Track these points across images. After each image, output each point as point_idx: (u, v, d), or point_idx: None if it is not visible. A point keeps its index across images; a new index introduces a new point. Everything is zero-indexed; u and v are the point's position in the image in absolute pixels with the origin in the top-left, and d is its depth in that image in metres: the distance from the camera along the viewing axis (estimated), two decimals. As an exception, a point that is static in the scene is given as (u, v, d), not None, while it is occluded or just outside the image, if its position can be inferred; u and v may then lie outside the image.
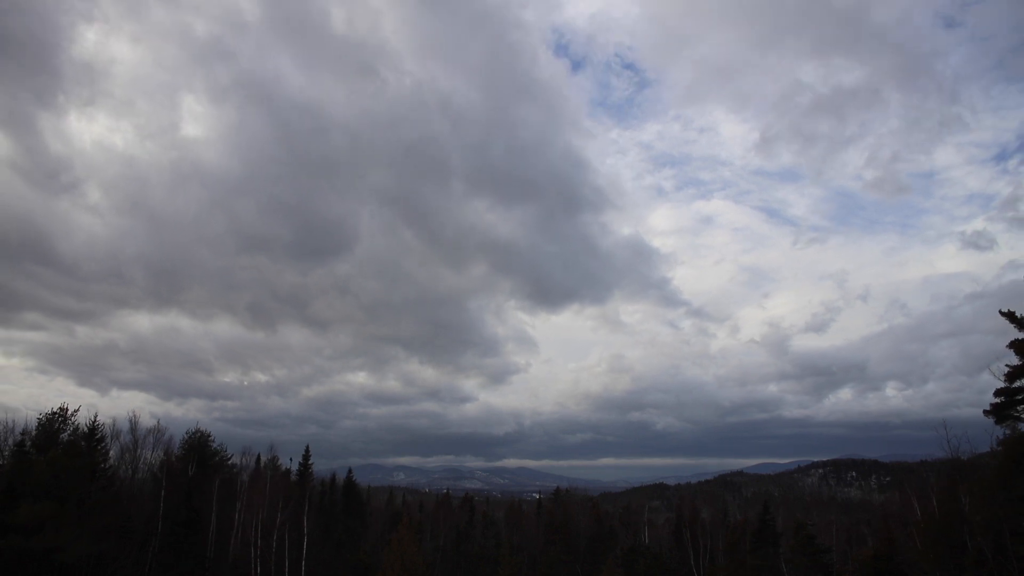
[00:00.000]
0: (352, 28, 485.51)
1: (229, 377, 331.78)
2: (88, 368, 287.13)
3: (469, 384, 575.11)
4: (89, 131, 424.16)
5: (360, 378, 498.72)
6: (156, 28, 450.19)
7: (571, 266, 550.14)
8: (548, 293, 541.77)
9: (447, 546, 72.58)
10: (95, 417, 43.95)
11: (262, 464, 59.96)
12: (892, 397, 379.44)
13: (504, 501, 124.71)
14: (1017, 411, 30.35)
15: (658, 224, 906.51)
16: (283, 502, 50.55)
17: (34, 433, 41.29)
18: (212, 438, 56.09)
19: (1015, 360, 29.97)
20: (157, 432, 52.41)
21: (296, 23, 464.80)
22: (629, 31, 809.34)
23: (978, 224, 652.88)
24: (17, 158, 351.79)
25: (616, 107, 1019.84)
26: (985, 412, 31.01)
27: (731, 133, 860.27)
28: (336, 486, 71.48)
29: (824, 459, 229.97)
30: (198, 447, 53.64)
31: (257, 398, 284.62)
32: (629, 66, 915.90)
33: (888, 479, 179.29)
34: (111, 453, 46.81)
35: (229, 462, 57.84)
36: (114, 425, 48.09)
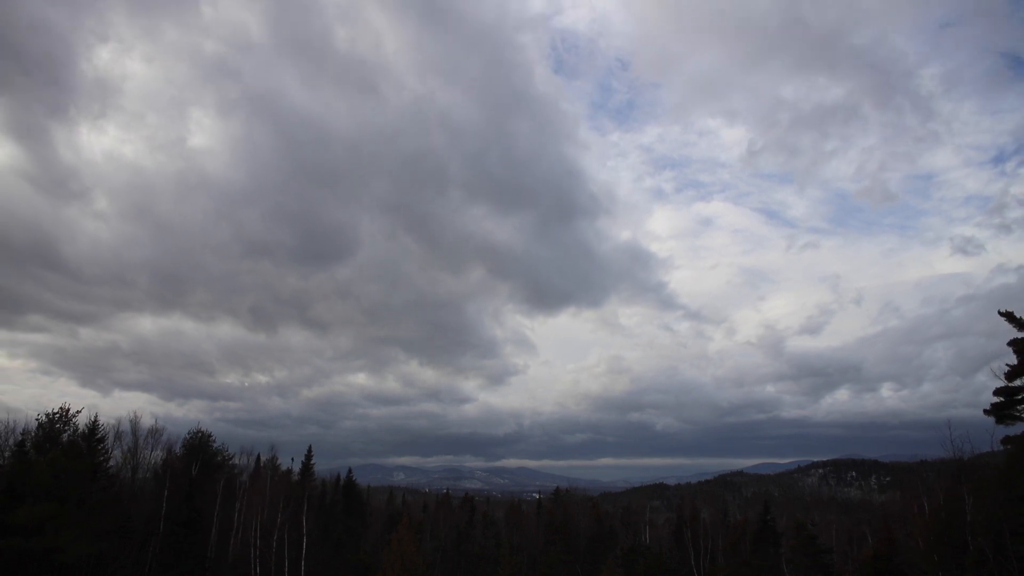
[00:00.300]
0: (354, 47, 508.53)
1: (230, 378, 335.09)
2: (91, 369, 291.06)
3: (468, 385, 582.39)
4: (99, 142, 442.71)
5: (360, 379, 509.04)
6: (167, 48, 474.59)
7: (568, 270, 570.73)
8: (545, 297, 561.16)
9: (447, 546, 72.58)
10: (95, 417, 43.96)
11: (262, 464, 59.99)
12: (888, 398, 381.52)
13: (504, 501, 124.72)
14: (1018, 410, 30.35)
15: (658, 226, 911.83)
16: (283, 502, 50.55)
17: (35, 434, 41.28)
18: (213, 438, 56.14)
19: (1014, 360, 30.00)
20: (157, 432, 52.42)
21: (301, 42, 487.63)
22: (625, 47, 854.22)
23: (967, 230, 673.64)
24: (29, 167, 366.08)
25: (617, 110, 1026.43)
26: (986, 411, 31.01)
27: (730, 137, 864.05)
28: (337, 486, 71.54)
29: (824, 459, 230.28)
30: (199, 447, 53.64)
31: (258, 399, 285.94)
32: (628, 69, 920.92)
33: (888, 479, 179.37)
34: (113, 453, 46.84)
35: (230, 462, 57.87)
36: (118, 426, 48.16)
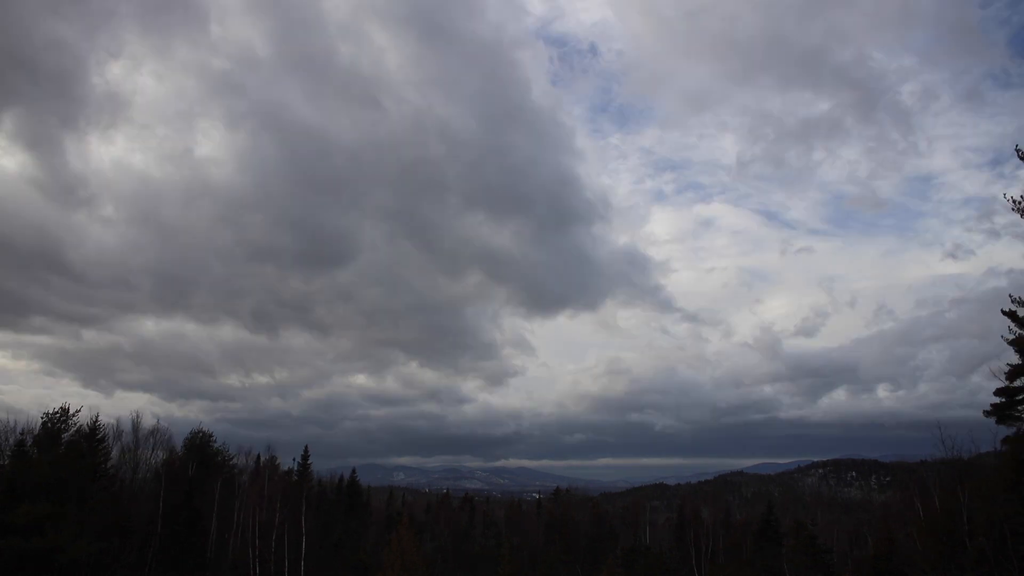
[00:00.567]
0: (356, 62, 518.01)
1: (232, 379, 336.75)
2: (93, 370, 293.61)
3: (468, 386, 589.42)
4: (109, 152, 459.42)
5: (360, 380, 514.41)
6: (177, 64, 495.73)
7: (564, 275, 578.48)
8: (542, 300, 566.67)
9: (447, 546, 72.56)
10: (96, 417, 43.87)
11: (262, 464, 59.93)
12: (885, 398, 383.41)
13: (504, 501, 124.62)
14: (1018, 411, 30.29)
15: (658, 228, 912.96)
16: (282, 502, 50.54)
17: (35, 433, 41.13)
18: (214, 438, 56.14)
19: (1010, 361, 30.00)
20: (158, 432, 52.39)
21: (304, 58, 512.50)
22: (616, 64, 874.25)
23: (959, 235, 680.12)
24: (38, 174, 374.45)
25: (617, 112, 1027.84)
26: (986, 412, 30.95)
27: (727, 141, 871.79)
28: (340, 486, 71.46)
29: (824, 459, 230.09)
30: (200, 447, 53.61)
31: (259, 400, 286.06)
32: (621, 83, 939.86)
33: (888, 479, 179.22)
34: (112, 453, 46.74)
35: (231, 463, 57.85)
36: (117, 426, 48.07)
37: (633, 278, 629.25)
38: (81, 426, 42.95)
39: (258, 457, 61.19)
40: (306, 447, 61.00)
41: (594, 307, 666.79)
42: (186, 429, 56.18)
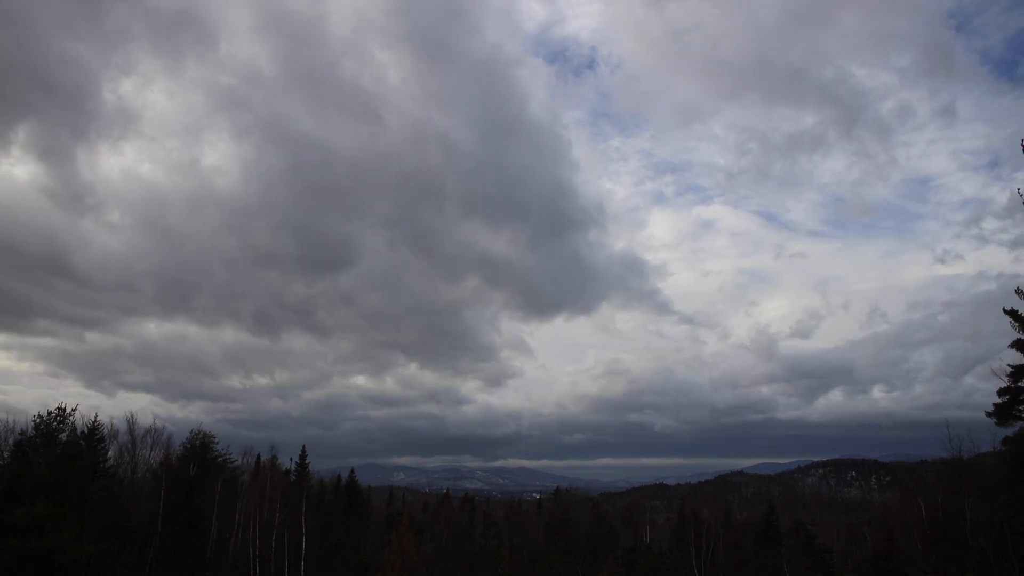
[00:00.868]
0: (358, 78, 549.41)
1: (233, 381, 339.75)
2: (96, 372, 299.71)
3: (467, 387, 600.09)
4: (118, 163, 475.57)
5: (360, 381, 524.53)
6: (186, 80, 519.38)
7: (561, 280, 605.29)
8: (539, 304, 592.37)
9: (447, 546, 72.55)
10: (95, 417, 43.65)
11: (262, 464, 59.83)
12: (881, 399, 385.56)
13: (504, 501, 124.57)
14: (1020, 411, 30.23)
15: (658, 229, 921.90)
16: (282, 502, 50.47)
17: (32, 433, 40.93)
18: (215, 439, 55.98)
19: (1006, 361, 29.93)
20: (156, 432, 52.18)
21: (308, 74, 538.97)
22: (609, 80, 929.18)
23: (948, 242, 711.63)
24: (49, 183, 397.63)
25: (618, 115, 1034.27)
26: (987, 413, 30.88)
27: (717, 152, 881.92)
28: (337, 486, 71.39)
29: (824, 459, 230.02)
30: (200, 447, 53.51)
31: (260, 400, 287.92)
32: (613, 101, 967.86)
33: (888, 479, 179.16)
34: (110, 453, 46.54)
35: (231, 463, 57.74)
36: (111, 425, 47.74)
37: (630, 282, 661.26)
38: (79, 426, 42.80)
39: (258, 457, 61.18)
40: (303, 447, 61.02)
41: (592, 310, 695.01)
42: (187, 429, 56.11)
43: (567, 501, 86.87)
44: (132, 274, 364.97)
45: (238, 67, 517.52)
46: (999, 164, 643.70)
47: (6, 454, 40.22)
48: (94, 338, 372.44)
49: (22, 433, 40.57)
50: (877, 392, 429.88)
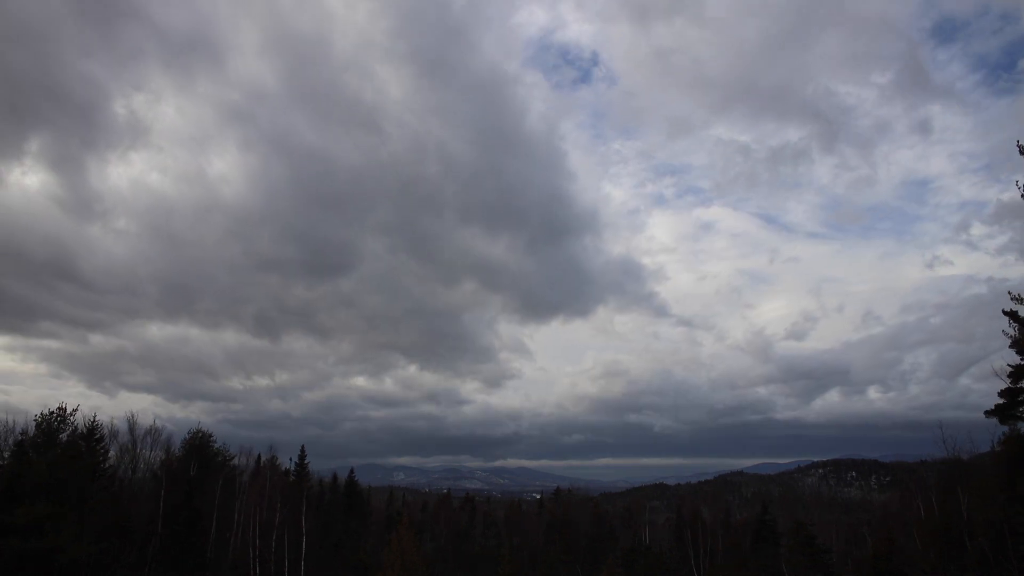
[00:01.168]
0: (359, 93, 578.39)
1: (234, 382, 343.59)
2: (99, 373, 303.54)
3: (467, 388, 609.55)
4: (127, 172, 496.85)
5: (360, 382, 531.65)
6: (195, 96, 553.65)
7: (557, 284, 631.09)
8: (536, 307, 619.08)
9: (447, 546, 72.54)
10: (95, 417, 43.64)
11: (262, 464, 59.82)
12: (877, 400, 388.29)
13: (504, 501, 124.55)
14: (1021, 411, 30.23)
15: (658, 231, 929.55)
16: (282, 502, 50.47)
17: (32, 433, 40.94)
18: (214, 438, 55.97)
19: (1001, 361, 29.92)
20: (155, 432, 52.18)
21: (312, 90, 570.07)
22: (603, 96, 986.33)
23: (937, 247, 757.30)
24: (59, 192, 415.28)
25: (618, 118, 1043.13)
26: (987, 412, 30.88)
27: (714, 156, 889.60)
28: (337, 486, 71.36)
29: (824, 459, 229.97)
30: (199, 447, 53.50)
31: (261, 401, 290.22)
32: (606, 119, 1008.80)
33: (888, 479, 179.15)
34: (110, 453, 46.54)
35: (231, 463, 57.74)
36: (112, 425, 47.77)
37: (627, 286, 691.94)
38: (79, 426, 42.77)
39: (258, 457, 61.18)
40: (303, 447, 61.02)
41: (588, 313, 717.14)
42: (188, 430, 56.25)
43: (567, 501, 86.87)
44: (136, 278, 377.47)
45: (245, 84, 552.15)
46: (993, 167, 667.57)
47: (6, 454, 40.22)
48: (97, 340, 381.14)
49: (22, 433, 40.60)
50: (873, 393, 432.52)
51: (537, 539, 73.16)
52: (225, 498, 50.82)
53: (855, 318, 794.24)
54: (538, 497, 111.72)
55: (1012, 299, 28.36)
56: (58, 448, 39.48)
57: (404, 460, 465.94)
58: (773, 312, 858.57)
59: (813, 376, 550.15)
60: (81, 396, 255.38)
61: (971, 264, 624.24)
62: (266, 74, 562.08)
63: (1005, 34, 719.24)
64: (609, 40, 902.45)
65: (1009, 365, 30.26)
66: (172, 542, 43.30)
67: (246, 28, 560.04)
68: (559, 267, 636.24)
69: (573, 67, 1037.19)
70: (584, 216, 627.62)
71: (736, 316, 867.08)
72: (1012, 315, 28.49)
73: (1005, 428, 32.76)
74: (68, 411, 42.20)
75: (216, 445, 56.23)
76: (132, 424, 49.97)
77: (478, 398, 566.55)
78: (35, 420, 41.17)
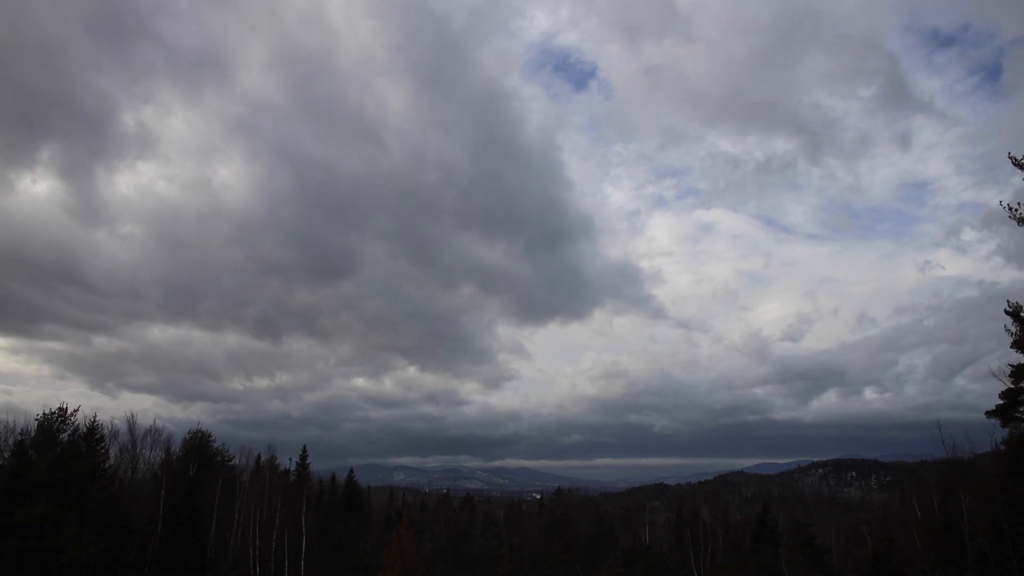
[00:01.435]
0: (361, 106, 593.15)
1: (235, 383, 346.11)
2: (102, 374, 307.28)
3: (466, 389, 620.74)
4: (134, 180, 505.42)
5: (360, 383, 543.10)
6: (202, 109, 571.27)
7: (555, 288, 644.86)
8: (534, 311, 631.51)
9: (447, 546, 72.56)
10: (95, 417, 43.60)
11: (261, 464, 59.80)
12: (874, 400, 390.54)
13: (504, 501, 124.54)
14: (1021, 411, 30.22)
15: (658, 232, 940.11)
16: (282, 502, 50.45)
17: (33, 433, 40.91)
18: (213, 438, 55.92)
19: (995, 361, 29.97)
20: (156, 432, 52.13)
21: (314, 104, 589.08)
22: (596, 109, 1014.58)
23: (928, 252, 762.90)
24: (67, 199, 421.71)
25: (615, 128, 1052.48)
26: (988, 413, 30.87)
27: (715, 158, 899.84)
28: (336, 486, 71.34)
29: (824, 459, 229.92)
30: (199, 447, 53.47)
31: (262, 402, 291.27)
32: (600, 129, 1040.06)
33: (888, 479, 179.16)
34: (111, 453, 46.52)
35: (231, 463, 57.71)
36: (112, 425, 47.74)
37: (625, 290, 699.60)
38: (79, 426, 42.74)
39: (258, 457, 61.12)
40: (304, 447, 60.98)
41: (585, 317, 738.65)
42: (188, 430, 56.32)
43: (567, 501, 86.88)
44: (140, 282, 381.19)
45: (251, 97, 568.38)
46: (979, 173, 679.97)
47: (6, 454, 40.18)
48: (100, 342, 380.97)
49: (22, 433, 40.55)
50: (870, 394, 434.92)
51: (537, 539, 73.16)
52: (225, 498, 50.80)
53: (851, 319, 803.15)
54: (538, 497, 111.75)
55: (1007, 312, 28.40)
56: (58, 448, 39.47)
57: (404, 460, 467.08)
58: (770, 313, 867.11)
59: (809, 377, 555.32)
60: (83, 397, 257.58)
61: (963, 267, 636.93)
62: (272, 88, 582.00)
63: (987, 49, 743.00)
64: (603, 56, 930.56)
65: (1010, 365, 30.28)
66: (172, 542, 43.29)
67: (253, 45, 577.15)
68: (556, 271, 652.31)
69: (575, 70, 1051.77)
70: (581, 222, 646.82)
71: (733, 318, 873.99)
72: (1014, 314, 28.47)
73: (1006, 429, 32.71)
74: (68, 411, 42.24)
75: (215, 445, 56.25)
76: (132, 424, 49.96)
77: (477, 399, 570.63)
78: (36, 420, 41.18)
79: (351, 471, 73.17)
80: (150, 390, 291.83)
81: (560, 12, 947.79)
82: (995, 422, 32.18)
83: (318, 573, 51.74)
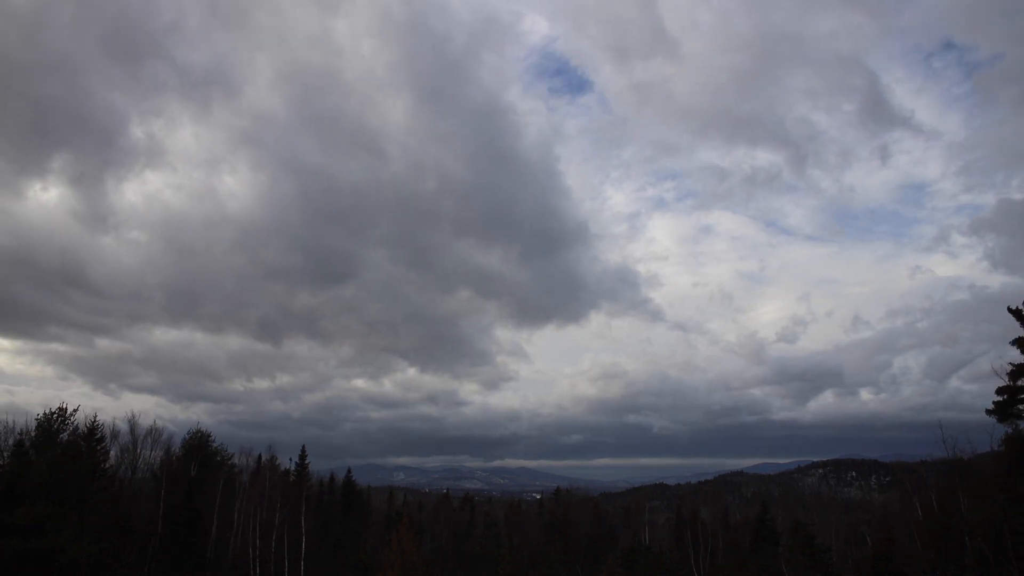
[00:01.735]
0: (362, 119, 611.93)
1: (236, 383, 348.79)
2: (104, 375, 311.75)
3: (466, 390, 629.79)
4: (142, 189, 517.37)
5: (360, 384, 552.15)
6: (210, 123, 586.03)
7: (552, 292, 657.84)
8: (531, 314, 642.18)
9: (447, 546, 72.56)
10: (95, 417, 43.66)
11: (261, 464, 59.77)
12: (870, 401, 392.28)
13: (504, 501, 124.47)
14: (1019, 409, 30.24)
15: (659, 234, 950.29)
16: (281, 502, 50.45)
17: (33, 433, 40.94)
18: (212, 438, 55.94)
19: (989, 363, 30.07)
20: (156, 432, 52.17)
21: (317, 117, 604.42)
22: (591, 120, 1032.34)
23: (918, 257, 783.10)
24: (76, 205, 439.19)
25: (612, 138, 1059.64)
26: (988, 411, 30.90)
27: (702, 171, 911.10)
28: (336, 486, 71.31)
29: (824, 459, 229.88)
30: (198, 447, 53.48)
31: (262, 403, 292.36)
32: (596, 136, 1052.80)
33: (888, 479, 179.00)
34: (111, 453, 46.57)
35: (230, 462, 57.72)
36: (113, 425, 47.80)
37: (623, 293, 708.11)
38: (79, 426, 42.79)
39: (259, 457, 61.07)
40: (303, 447, 60.96)
41: (582, 320, 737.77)
42: (188, 429, 56.36)
43: (567, 501, 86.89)
44: (145, 286, 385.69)
45: (257, 112, 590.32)
46: (976, 178, 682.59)
47: (6, 454, 40.19)
48: (103, 344, 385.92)
49: (21, 433, 40.57)
50: (866, 394, 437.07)
51: (537, 539, 73.17)
52: (225, 498, 50.81)
53: (846, 321, 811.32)
54: (538, 497, 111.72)
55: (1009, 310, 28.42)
56: (58, 448, 39.49)
57: (404, 460, 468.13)
58: (768, 315, 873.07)
59: (806, 378, 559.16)
60: (86, 397, 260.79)
61: (954, 271, 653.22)
62: (277, 103, 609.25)
63: (964, 65, 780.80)
64: (596, 72, 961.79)
65: (1011, 364, 30.31)
66: (172, 542, 43.30)
67: (260, 63, 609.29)
68: (553, 276, 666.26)
69: (575, 73, 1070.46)
70: (577, 229, 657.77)
71: (730, 319, 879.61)
72: (1016, 313, 28.51)
73: (1005, 428, 32.76)
74: (68, 411, 42.32)
75: (215, 445, 56.27)
76: (133, 424, 50.01)
77: (477, 399, 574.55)
78: (36, 420, 41.21)
79: (349, 471, 73.20)
80: (152, 391, 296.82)
81: (555, 30, 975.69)
82: (995, 422, 32.23)
83: (318, 573, 51.73)
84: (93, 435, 42.69)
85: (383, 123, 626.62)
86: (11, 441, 40.77)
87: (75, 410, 42.83)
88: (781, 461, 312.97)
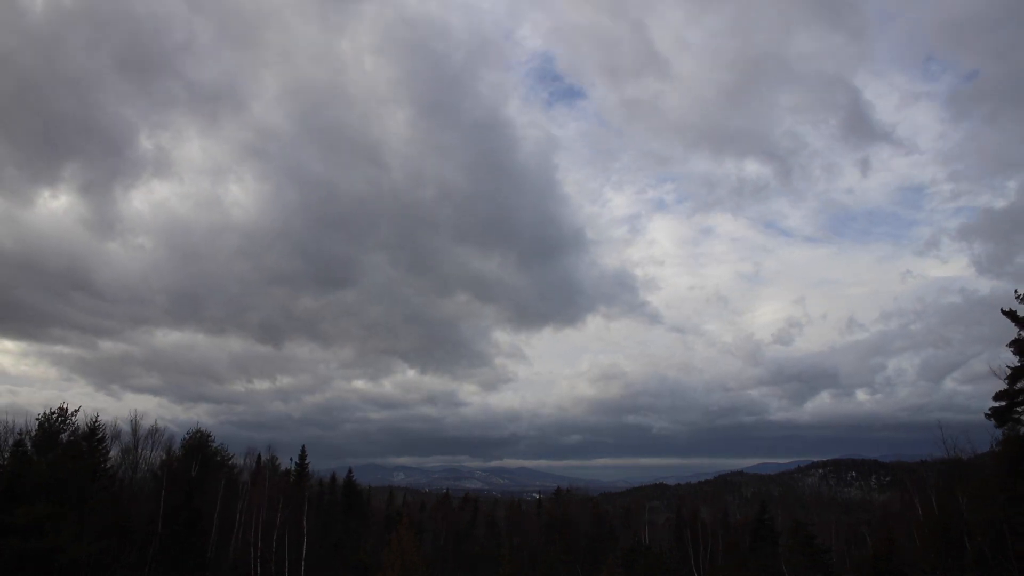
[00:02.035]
0: (364, 131, 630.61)
1: (237, 385, 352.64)
2: (107, 376, 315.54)
3: (465, 391, 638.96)
4: (149, 198, 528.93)
5: (360, 385, 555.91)
6: (216, 135, 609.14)
7: (549, 296, 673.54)
8: (528, 317, 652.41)
9: (447, 546, 72.59)
10: (96, 417, 43.68)
11: (262, 464, 59.83)
12: (866, 402, 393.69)
13: (504, 501, 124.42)
14: (1017, 412, 30.25)
15: (659, 235, 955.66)
16: (282, 502, 50.47)
17: (33, 433, 40.94)
18: (212, 438, 55.95)
19: (984, 365, 30.11)
20: (156, 432, 52.20)
21: (321, 130, 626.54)
22: (588, 130, 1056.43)
23: (910, 261, 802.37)
24: (84, 212, 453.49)
25: (609, 147, 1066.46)
26: (986, 415, 30.91)
27: (691, 180, 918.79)
28: (336, 486, 71.35)
29: (824, 459, 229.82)
30: (199, 447, 53.50)
31: (263, 403, 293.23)
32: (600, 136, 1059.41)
33: (888, 479, 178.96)
34: (112, 453, 46.59)
35: (231, 462, 57.76)
36: (115, 425, 47.79)
37: (620, 297, 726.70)
38: (80, 426, 42.75)
39: (259, 457, 61.14)
40: (303, 447, 61.03)
41: (580, 323, 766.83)
42: (188, 429, 56.42)
43: (567, 501, 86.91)
44: (149, 289, 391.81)
45: (262, 125, 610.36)
46: (956, 188, 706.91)
47: (6, 454, 40.21)
48: (106, 346, 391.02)
49: (21, 433, 40.56)
50: (862, 395, 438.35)
51: (537, 539, 73.19)
52: (226, 498, 50.85)
53: (841, 323, 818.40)
54: (538, 497, 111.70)
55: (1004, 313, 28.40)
56: (59, 448, 39.51)
57: (404, 460, 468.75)
58: (765, 316, 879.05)
59: (802, 379, 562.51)
60: (88, 398, 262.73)
61: (945, 274, 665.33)
62: (282, 116, 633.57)
63: (945, 81, 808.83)
64: (590, 87, 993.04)
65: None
66: (172, 542, 43.33)
67: (267, 79, 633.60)
68: (550, 281, 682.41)
69: (572, 80, 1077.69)
70: (575, 235, 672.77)
71: (727, 321, 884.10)
72: (1011, 315, 28.52)
73: (1001, 429, 32.77)
74: (69, 411, 42.23)
75: (215, 445, 56.29)
76: (135, 424, 50.05)
77: (476, 400, 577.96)
78: (36, 420, 41.20)
79: (349, 471, 73.22)
80: (154, 392, 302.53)
81: (551, 50, 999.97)
82: (994, 422, 32.22)
83: (319, 573, 51.76)
84: (94, 435, 42.69)
85: (384, 135, 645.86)
86: (11, 441, 40.83)
87: (76, 410, 42.72)
88: (781, 461, 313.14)
